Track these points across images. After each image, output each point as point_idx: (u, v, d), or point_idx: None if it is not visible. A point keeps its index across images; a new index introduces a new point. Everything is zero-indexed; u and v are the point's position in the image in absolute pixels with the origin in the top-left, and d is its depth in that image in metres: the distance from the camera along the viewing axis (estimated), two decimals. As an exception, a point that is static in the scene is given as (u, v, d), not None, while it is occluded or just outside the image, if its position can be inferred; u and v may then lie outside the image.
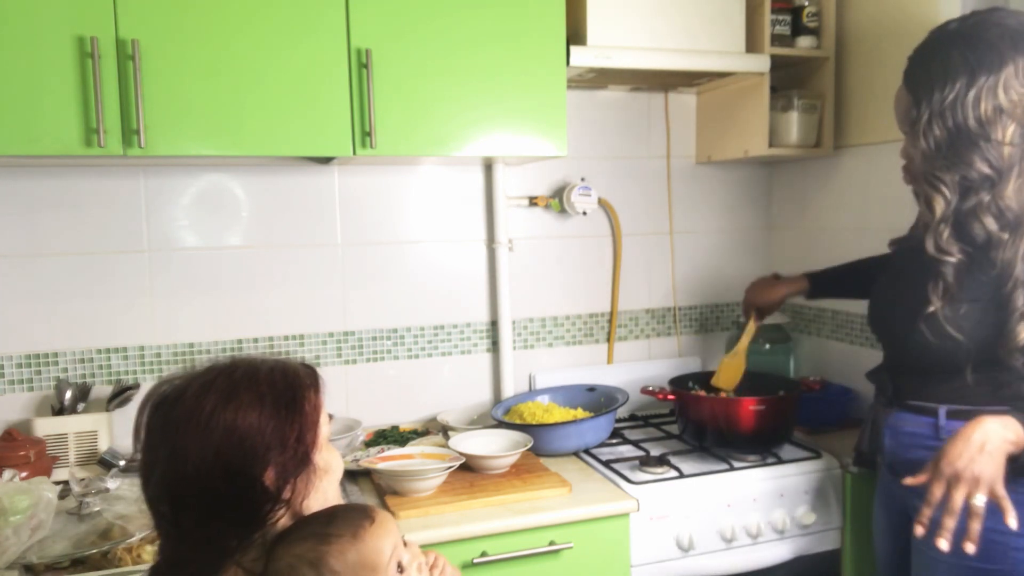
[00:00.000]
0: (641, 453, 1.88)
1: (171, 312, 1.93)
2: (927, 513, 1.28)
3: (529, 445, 1.75)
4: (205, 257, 1.95)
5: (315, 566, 0.88)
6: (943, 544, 1.24)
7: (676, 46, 1.91)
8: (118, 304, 1.89)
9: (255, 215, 1.98)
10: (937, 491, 1.26)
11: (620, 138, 2.27)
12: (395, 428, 2.03)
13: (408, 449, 1.75)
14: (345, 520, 0.93)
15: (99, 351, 1.88)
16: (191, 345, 1.95)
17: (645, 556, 1.67)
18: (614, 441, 1.97)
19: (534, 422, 1.88)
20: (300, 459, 0.92)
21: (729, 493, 1.74)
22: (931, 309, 1.37)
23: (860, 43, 2.04)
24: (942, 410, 1.41)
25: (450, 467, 1.63)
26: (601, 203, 2.24)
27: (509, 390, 2.17)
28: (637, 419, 2.17)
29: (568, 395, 2.08)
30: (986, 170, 1.32)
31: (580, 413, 1.95)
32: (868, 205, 2.07)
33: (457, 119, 1.72)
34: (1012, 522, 1.22)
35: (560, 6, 1.77)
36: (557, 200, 2.19)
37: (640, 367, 2.29)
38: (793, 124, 2.07)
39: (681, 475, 1.73)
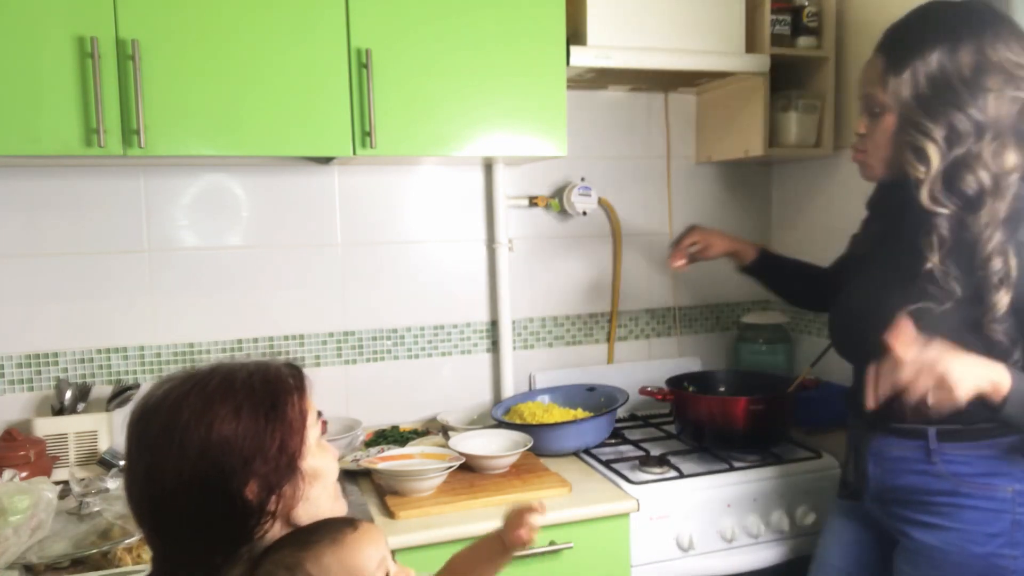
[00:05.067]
0: (641, 453, 1.88)
1: (171, 312, 1.93)
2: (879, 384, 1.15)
3: (529, 445, 1.75)
4: (205, 257, 1.95)
5: (291, 570, 0.86)
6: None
7: (676, 46, 1.91)
8: (118, 304, 1.89)
9: (255, 215, 1.98)
10: (906, 375, 1.12)
11: (620, 138, 2.27)
12: (395, 428, 2.03)
13: (408, 449, 1.75)
14: (327, 528, 0.91)
15: (99, 351, 1.88)
16: (191, 345, 1.95)
17: (645, 556, 1.67)
18: (614, 441, 1.97)
19: (534, 422, 1.88)
20: (284, 468, 0.89)
21: (729, 493, 1.74)
22: (928, 266, 1.25)
23: (860, 43, 2.04)
24: (931, 431, 1.31)
25: (450, 467, 1.63)
26: (601, 203, 2.24)
27: (509, 390, 2.17)
28: (637, 419, 2.17)
29: (568, 395, 2.08)
30: (966, 126, 1.23)
31: (580, 413, 1.95)
32: (868, 205, 2.07)
33: (457, 119, 1.72)
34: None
35: (560, 6, 1.77)
36: (557, 200, 2.19)
37: (640, 367, 2.29)
38: (793, 124, 2.07)
39: (681, 475, 1.73)
